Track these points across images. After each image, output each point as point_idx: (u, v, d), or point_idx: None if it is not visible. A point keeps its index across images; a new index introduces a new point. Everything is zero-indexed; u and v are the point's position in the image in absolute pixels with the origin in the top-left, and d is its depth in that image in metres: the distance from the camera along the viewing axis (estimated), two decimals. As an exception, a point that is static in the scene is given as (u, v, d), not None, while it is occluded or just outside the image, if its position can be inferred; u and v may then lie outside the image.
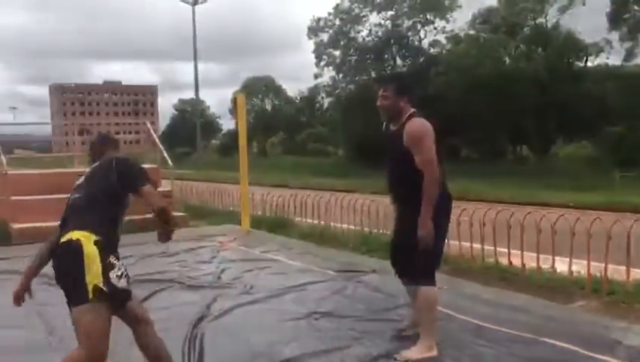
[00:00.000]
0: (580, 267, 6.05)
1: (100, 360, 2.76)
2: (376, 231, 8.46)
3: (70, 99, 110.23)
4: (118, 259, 2.87)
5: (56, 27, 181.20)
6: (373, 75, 41.27)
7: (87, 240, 2.74)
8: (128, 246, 7.80)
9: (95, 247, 2.74)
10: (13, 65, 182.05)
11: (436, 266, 3.79)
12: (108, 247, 2.82)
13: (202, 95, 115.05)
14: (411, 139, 3.56)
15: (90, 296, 2.68)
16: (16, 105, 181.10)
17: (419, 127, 3.59)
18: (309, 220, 10.03)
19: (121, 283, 2.79)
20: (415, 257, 3.60)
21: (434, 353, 3.64)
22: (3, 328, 4.51)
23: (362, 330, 4.22)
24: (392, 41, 41.58)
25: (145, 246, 8.01)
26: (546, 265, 6.20)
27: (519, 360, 3.65)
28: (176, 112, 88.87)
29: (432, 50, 41.36)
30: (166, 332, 4.27)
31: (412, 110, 3.69)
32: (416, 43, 42.08)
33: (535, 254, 6.29)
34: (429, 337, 3.67)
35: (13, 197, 10.04)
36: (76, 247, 2.72)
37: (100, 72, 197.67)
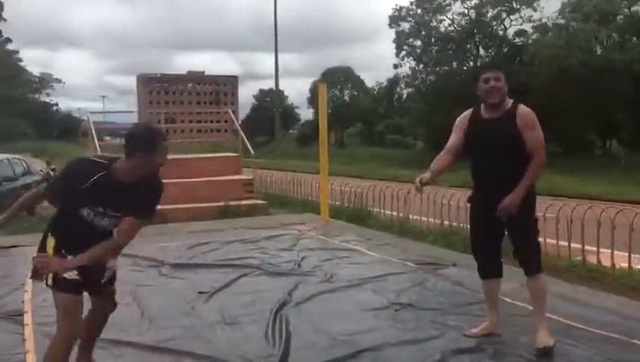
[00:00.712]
0: (676, 269, 5.73)
1: (69, 339, 2.99)
2: (456, 224, 8.32)
3: (156, 88, 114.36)
4: (70, 254, 2.97)
5: (143, 20, 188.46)
6: (454, 65, 40.41)
7: (50, 238, 3.04)
8: (209, 232, 8.16)
9: (52, 244, 3.01)
10: (104, 56, 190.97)
11: None
12: (61, 245, 3.00)
13: (281, 85, 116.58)
14: (528, 121, 3.61)
15: (49, 282, 2.97)
16: (106, 94, 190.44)
17: (531, 111, 3.66)
18: (388, 212, 9.99)
19: (70, 275, 2.93)
20: (530, 245, 3.68)
21: None
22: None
23: (443, 323, 4.18)
24: (475, 31, 40.50)
25: (225, 232, 8.27)
26: (638, 266, 5.91)
27: (610, 363, 3.51)
28: (255, 102, 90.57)
29: (517, 40, 40.01)
30: (250, 316, 4.42)
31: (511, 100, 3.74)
32: (501, 33, 40.81)
33: (626, 254, 6.01)
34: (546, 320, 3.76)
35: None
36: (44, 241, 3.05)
37: (184, 62, 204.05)
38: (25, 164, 13.22)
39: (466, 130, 3.81)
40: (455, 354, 3.62)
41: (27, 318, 4.38)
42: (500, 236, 3.78)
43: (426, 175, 3.81)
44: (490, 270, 3.85)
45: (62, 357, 2.99)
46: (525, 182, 3.54)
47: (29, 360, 3.61)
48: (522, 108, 3.66)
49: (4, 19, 62.02)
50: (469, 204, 3.99)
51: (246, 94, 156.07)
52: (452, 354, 3.61)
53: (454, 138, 3.88)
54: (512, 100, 3.71)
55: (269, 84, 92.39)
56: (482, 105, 3.78)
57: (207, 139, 37.18)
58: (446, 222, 8.51)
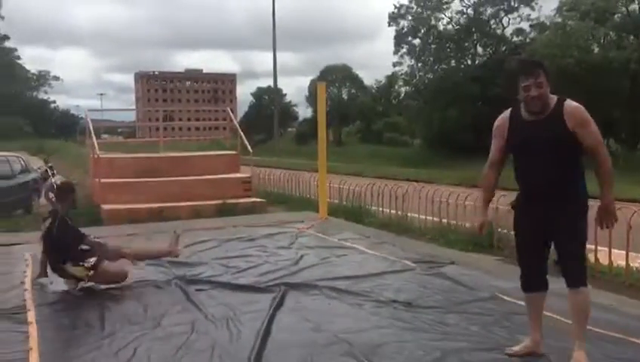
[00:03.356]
0: (673, 267, 5.76)
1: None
2: (454, 222, 8.34)
3: (154, 86, 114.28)
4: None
5: (142, 17, 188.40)
6: (452, 63, 40.41)
7: None
8: (207, 231, 8.15)
9: None
10: (102, 54, 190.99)
11: None
12: None
13: (280, 83, 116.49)
14: (579, 118, 3.31)
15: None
16: (104, 92, 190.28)
17: (583, 108, 3.36)
18: (386, 210, 10.00)
19: None
20: (577, 255, 3.44)
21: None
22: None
23: (442, 322, 4.19)
24: (473, 29, 40.58)
25: (223, 230, 8.27)
26: (635, 264, 5.94)
27: (609, 360, 3.52)
28: (254, 100, 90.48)
29: (514, 38, 40.07)
30: (249, 314, 4.42)
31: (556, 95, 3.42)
32: (499, 31, 40.88)
33: (624, 252, 6.03)
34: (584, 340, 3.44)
35: (104, 180, 10.59)
36: None
37: (182, 60, 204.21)
38: (23, 162, 13.19)
39: (507, 136, 3.50)
40: (455, 352, 3.63)
41: (30, 316, 4.39)
42: (547, 246, 3.53)
43: (481, 215, 3.69)
44: (535, 283, 3.57)
45: None
46: (608, 185, 3.42)
47: (32, 357, 3.62)
48: (569, 106, 3.34)
49: (2, 17, 61.99)
50: (510, 208, 3.68)
51: (244, 92, 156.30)
52: (452, 352, 3.61)
53: (496, 147, 3.57)
54: (556, 97, 3.39)
55: (267, 82, 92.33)
56: (523, 106, 3.45)
57: (206, 137, 37.17)
58: (444, 220, 8.52)
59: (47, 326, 4.21)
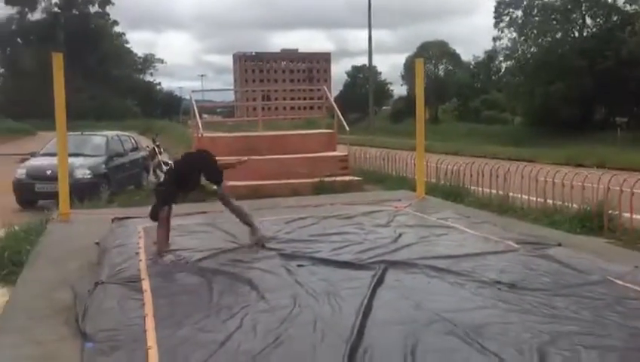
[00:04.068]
0: None
1: None
2: (560, 203, 7.99)
3: (251, 67, 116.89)
4: None
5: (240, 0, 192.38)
6: (558, 36, 38.37)
7: None
8: (305, 208, 8.28)
9: None
10: (202, 37, 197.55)
11: None
12: None
13: (374, 61, 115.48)
14: None
15: None
16: (204, 74, 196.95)
17: None
18: (486, 189, 9.73)
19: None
20: None
21: None
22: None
23: (550, 305, 4.03)
24: (581, -1, 38.21)
25: (321, 208, 8.37)
26: None
27: None
28: (348, 79, 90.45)
29: (628, 7, 37.34)
30: (349, 289, 4.46)
31: None
32: (610, 0, 38.24)
33: None
34: None
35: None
36: None
37: (278, 40, 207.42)
38: (133, 141, 13.99)
39: None
40: (564, 336, 3.48)
41: (145, 284, 4.67)
42: None
43: None
44: None
45: None
46: None
47: (148, 322, 3.85)
48: None
49: (112, 3, 65.53)
50: None
51: (339, 71, 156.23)
52: (562, 336, 3.47)
53: None
54: None
55: (361, 61, 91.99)
56: None
57: (301, 116, 37.65)
58: (549, 201, 8.19)
59: (160, 294, 4.45)
